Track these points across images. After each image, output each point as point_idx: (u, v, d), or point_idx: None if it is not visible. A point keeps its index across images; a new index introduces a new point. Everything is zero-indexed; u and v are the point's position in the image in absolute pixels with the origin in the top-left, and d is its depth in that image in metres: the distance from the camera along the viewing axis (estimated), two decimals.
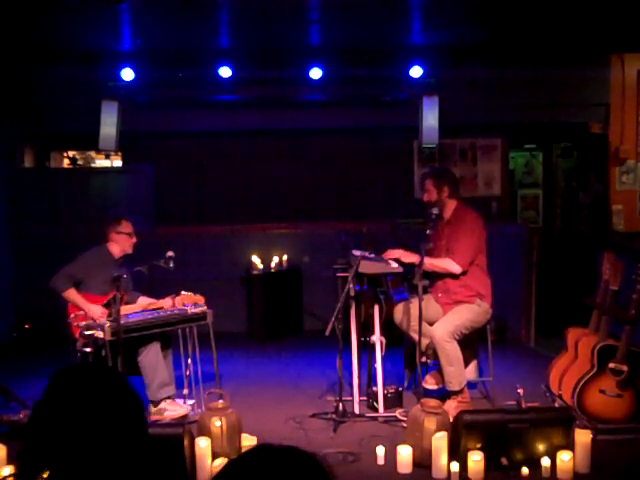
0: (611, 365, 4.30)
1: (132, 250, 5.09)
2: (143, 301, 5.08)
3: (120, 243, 5.05)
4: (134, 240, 5.09)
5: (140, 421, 1.52)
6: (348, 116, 7.32)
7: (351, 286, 4.71)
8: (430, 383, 4.99)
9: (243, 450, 3.92)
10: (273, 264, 7.29)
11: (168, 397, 4.71)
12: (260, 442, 3.91)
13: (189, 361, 4.84)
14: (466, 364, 4.84)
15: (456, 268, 4.77)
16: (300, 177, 7.67)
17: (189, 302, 4.89)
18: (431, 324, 4.76)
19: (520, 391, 4.37)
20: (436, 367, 4.94)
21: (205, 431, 3.97)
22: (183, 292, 4.95)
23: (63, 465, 1.41)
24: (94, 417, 1.44)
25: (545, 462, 3.79)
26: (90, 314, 4.72)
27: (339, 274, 5.83)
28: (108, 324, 4.48)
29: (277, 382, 5.63)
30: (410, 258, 4.75)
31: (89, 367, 1.72)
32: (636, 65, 7.35)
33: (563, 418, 3.99)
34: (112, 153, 8.42)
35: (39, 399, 1.48)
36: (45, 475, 1.42)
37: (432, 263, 4.74)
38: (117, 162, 8.84)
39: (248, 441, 4.03)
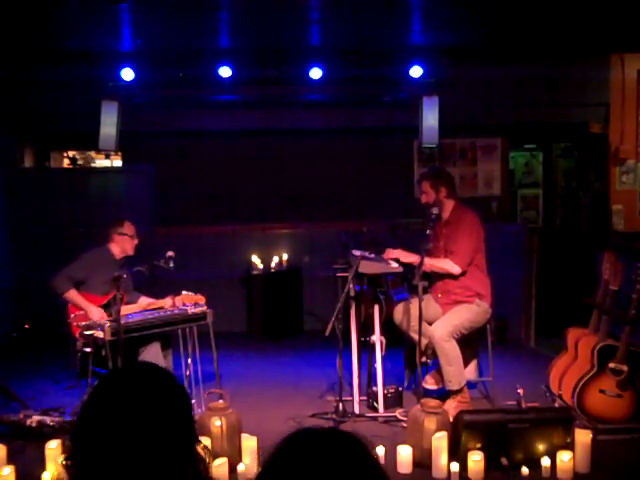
0: (611, 365, 4.30)
1: (133, 252, 5.10)
2: (144, 301, 5.07)
3: (121, 244, 5.05)
4: (135, 242, 5.09)
5: (190, 418, 1.47)
6: (348, 116, 7.32)
7: (351, 286, 4.71)
8: (430, 383, 4.99)
9: (242, 450, 3.92)
10: (273, 264, 7.29)
11: None
12: (261, 442, 3.91)
13: (189, 361, 4.83)
14: (466, 364, 4.85)
15: (455, 269, 4.77)
16: (300, 177, 7.66)
17: (189, 302, 4.89)
18: (431, 324, 4.76)
19: (520, 391, 4.37)
20: (436, 367, 4.94)
21: (205, 431, 3.96)
22: (184, 292, 4.96)
23: (113, 468, 1.36)
24: (148, 417, 1.39)
25: (545, 462, 3.79)
26: (90, 315, 4.72)
27: (339, 274, 5.83)
28: (108, 324, 4.48)
29: (277, 382, 5.63)
30: (409, 258, 4.75)
31: (140, 367, 1.64)
32: (636, 65, 7.35)
33: (563, 418, 3.99)
34: (112, 153, 8.42)
35: (87, 402, 1.42)
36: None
37: (432, 263, 4.75)
38: (117, 162, 8.84)
39: (248, 441, 4.02)
